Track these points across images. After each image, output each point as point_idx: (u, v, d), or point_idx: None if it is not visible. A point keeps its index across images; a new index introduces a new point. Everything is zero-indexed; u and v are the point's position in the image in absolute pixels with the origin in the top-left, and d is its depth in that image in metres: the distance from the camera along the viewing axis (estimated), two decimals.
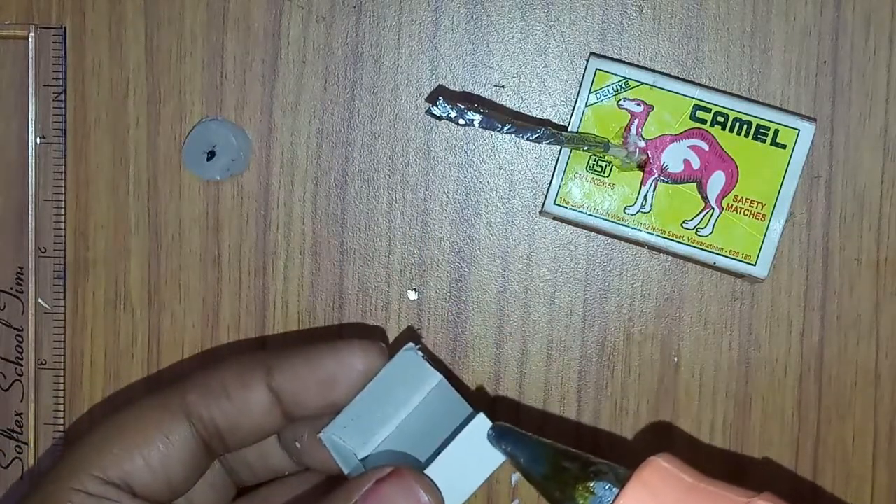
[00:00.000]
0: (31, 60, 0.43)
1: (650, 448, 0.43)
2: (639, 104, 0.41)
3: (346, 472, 0.36)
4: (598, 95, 0.41)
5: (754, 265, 0.41)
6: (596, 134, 0.41)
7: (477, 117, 0.38)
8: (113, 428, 0.36)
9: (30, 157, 0.43)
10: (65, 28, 0.43)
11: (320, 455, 0.37)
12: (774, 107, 0.41)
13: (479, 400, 0.43)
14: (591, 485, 0.34)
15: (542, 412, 0.43)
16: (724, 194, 0.41)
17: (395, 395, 0.37)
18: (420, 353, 0.37)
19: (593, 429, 0.43)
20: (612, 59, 0.42)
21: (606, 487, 0.34)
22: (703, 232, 0.41)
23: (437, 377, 0.37)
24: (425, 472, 0.35)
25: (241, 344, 0.43)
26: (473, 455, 0.35)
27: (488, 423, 0.35)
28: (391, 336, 0.43)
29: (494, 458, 0.35)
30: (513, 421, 0.43)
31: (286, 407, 0.37)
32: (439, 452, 0.35)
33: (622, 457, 0.42)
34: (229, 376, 0.36)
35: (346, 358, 0.37)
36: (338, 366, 0.36)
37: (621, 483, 0.34)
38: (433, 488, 0.35)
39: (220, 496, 0.39)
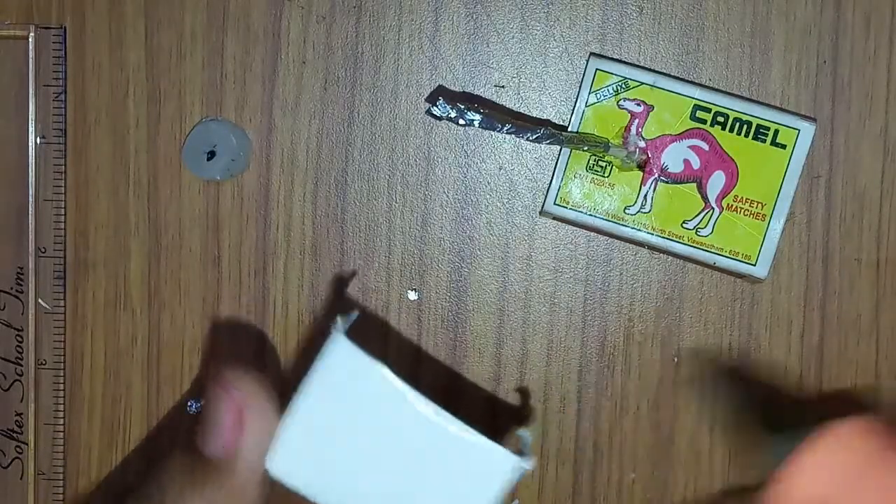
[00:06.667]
0: (31, 60, 0.43)
1: (656, 447, 0.43)
2: (639, 104, 0.41)
3: None
4: (598, 95, 0.41)
5: (754, 265, 0.41)
6: (596, 134, 0.41)
7: (477, 117, 0.38)
8: None
9: (30, 157, 0.43)
10: (65, 28, 0.43)
11: None
12: (774, 107, 0.41)
13: (478, 400, 0.43)
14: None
15: (542, 412, 0.43)
16: (724, 194, 0.41)
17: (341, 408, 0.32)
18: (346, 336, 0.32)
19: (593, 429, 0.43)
20: (612, 59, 0.42)
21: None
22: (703, 232, 0.41)
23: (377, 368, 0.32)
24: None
25: (240, 342, 0.43)
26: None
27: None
28: (391, 338, 0.43)
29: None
30: (513, 419, 0.43)
31: None
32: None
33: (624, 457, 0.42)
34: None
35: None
36: None
37: None
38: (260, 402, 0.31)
39: None
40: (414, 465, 0.32)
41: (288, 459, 0.32)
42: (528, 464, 0.31)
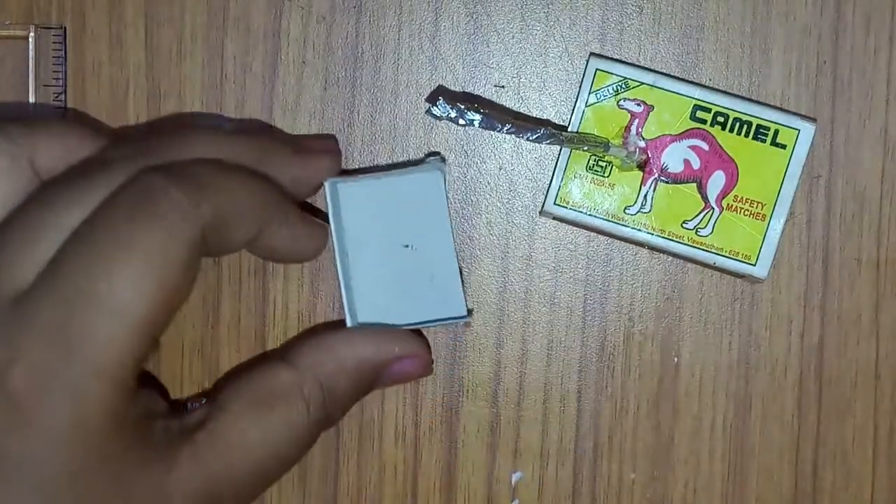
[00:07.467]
0: (31, 60, 0.43)
1: (650, 449, 0.43)
2: (639, 104, 0.41)
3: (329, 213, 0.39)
4: (598, 95, 0.41)
5: (754, 265, 0.41)
6: (596, 134, 0.41)
7: (477, 117, 0.38)
8: None
9: None
10: (65, 28, 0.43)
11: None
12: (774, 107, 0.41)
13: (477, 399, 0.43)
14: None
15: (542, 412, 0.43)
16: (724, 194, 0.41)
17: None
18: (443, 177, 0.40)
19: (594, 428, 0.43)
20: (612, 59, 0.42)
21: None
22: (703, 232, 0.41)
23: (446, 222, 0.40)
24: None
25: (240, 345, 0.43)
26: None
27: None
28: None
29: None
30: (514, 420, 0.43)
31: None
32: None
33: (623, 457, 0.42)
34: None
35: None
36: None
37: None
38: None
39: None
40: (409, 265, 0.40)
41: (343, 192, 0.39)
42: (466, 315, 0.40)
